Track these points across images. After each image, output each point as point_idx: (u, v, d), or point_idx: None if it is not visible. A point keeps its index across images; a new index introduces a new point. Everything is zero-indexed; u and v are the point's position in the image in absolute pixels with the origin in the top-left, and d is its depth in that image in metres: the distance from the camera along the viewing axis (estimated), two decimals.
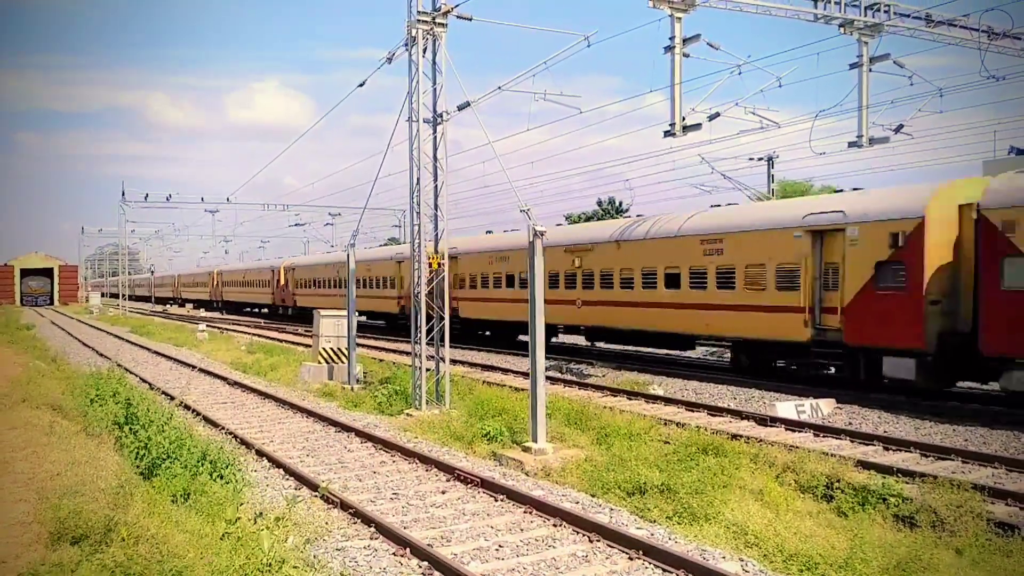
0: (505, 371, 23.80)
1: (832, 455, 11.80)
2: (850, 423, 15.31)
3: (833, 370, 17.80)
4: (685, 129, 18.62)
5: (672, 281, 21.63)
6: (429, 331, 17.17)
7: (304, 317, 46.95)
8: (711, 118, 19.55)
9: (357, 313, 21.74)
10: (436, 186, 17.33)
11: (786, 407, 16.07)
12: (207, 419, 16.11)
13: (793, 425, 14.93)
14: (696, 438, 12.59)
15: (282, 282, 55.65)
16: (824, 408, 16.31)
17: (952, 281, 15.75)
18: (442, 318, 17.16)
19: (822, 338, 17.58)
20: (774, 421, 15.21)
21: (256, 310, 64.18)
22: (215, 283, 68.59)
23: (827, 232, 17.52)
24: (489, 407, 15.38)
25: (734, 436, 13.29)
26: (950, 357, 15.56)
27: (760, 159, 37.35)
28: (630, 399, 18.37)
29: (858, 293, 16.83)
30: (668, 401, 17.83)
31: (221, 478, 9.94)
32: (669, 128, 18.75)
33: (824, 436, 14.13)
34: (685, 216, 22.03)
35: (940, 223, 15.75)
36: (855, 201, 17.52)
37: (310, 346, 26.83)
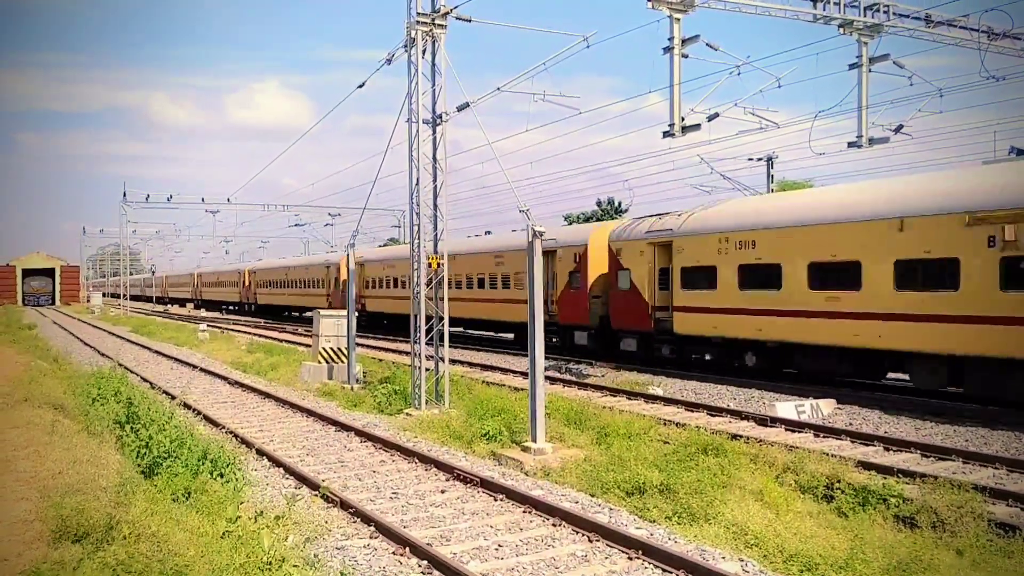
0: (504, 371, 23.81)
1: (832, 455, 11.79)
2: (850, 423, 15.30)
3: (555, 340, 26.97)
4: (684, 129, 18.60)
5: (502, 283, 30.61)
6: (428, 331, 17.16)
7: (305, 319, 51.41)
8: (710, 118, 19.52)
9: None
10: (435, 186, 17.33)
11: (786, 407, 16.06)
12: (208, 418, 16.12)
13: (793, 425, 14.92)
14: (696, 438, 12.58)
15: (247, 283, 64.79)
16: (824, 408, 16.31)
17: (604, 285, 25.39)
18: (441, 318, 17.16)
19: (551, 320, 26.84)
20: (774, 421, 15.20)
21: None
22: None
23: (549, 252, 26.43)
24: (488, 407, 15.38)
25: (734, 436, 13.29)
26: (605, 331, 25.25)
27: (759, 159, 37.33)
28: (630, 399, 18.37)
29: (563, 291, 26.99)
30: (668, 401, 17.84)
31: (222, 477, 9.95)
32: (668, 128, 18.72)
33: (824, 436, 14.13)
34: (488, 239, 34.20)
35: (597, 249, 25.41)
36: (564, 233, 28.46)
37: (310, 346, 26.85)
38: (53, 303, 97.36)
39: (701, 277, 20.82)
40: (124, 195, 59.16)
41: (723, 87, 19.46)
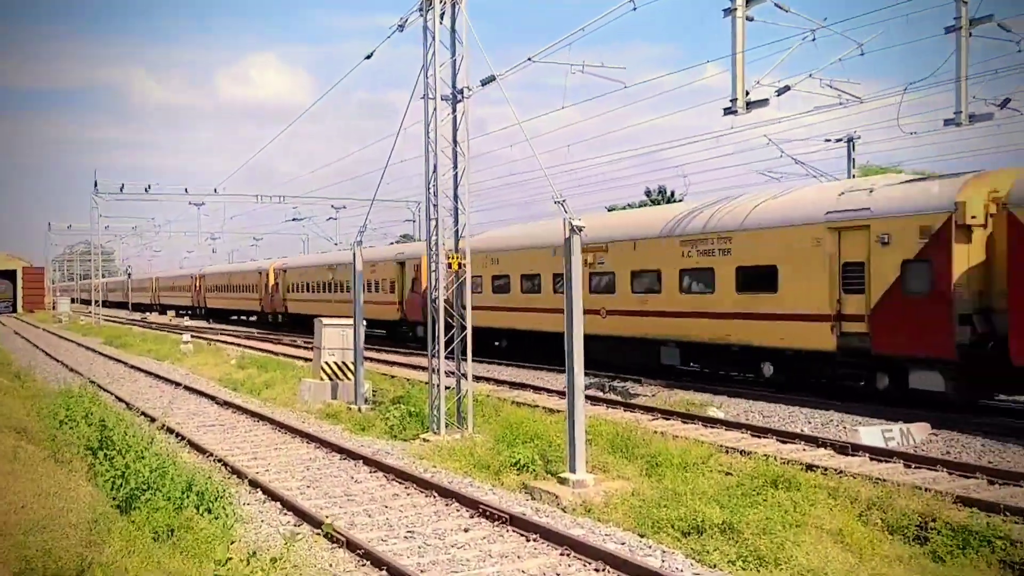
0: (538, 389, 23.81)
1: (926, 489, 11.66)
2: (947, 452, 15.12)
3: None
4: (749, 106, 18.53)
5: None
6: (448, 343, 17.22)
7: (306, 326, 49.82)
8: (780, 92, 19.42)
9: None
10: (456, 174, 17.39)
11: (871, 433, 15.92)
12: (193, 444, 16.31)
13: (880, 454, 14.79)
14: (764, 469, 12.50)
15: (272, 286, 61.09)
16: (916, 434, 16.13)
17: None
18: (463, 327, 17.21)
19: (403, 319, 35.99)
20: (856, 449, 15.08)
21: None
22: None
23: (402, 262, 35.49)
24: (519, 431, 15.38)
25: (809, 467, 13.19)
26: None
27: (838, 140, 36.99)
28: (685, 423, 18.30)
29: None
30: (730, 425, 17.75)
31: (209, 512, 10.05)
32: (730, 105, 18.66)
33: (917, 467, 13.98)
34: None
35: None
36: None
37: (310, 360, 27.05)
38: (14, 310, 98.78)
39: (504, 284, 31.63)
40: (96, 185, 59.82)
41: (795, 55, 19.35)
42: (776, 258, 20.85)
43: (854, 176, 36.74)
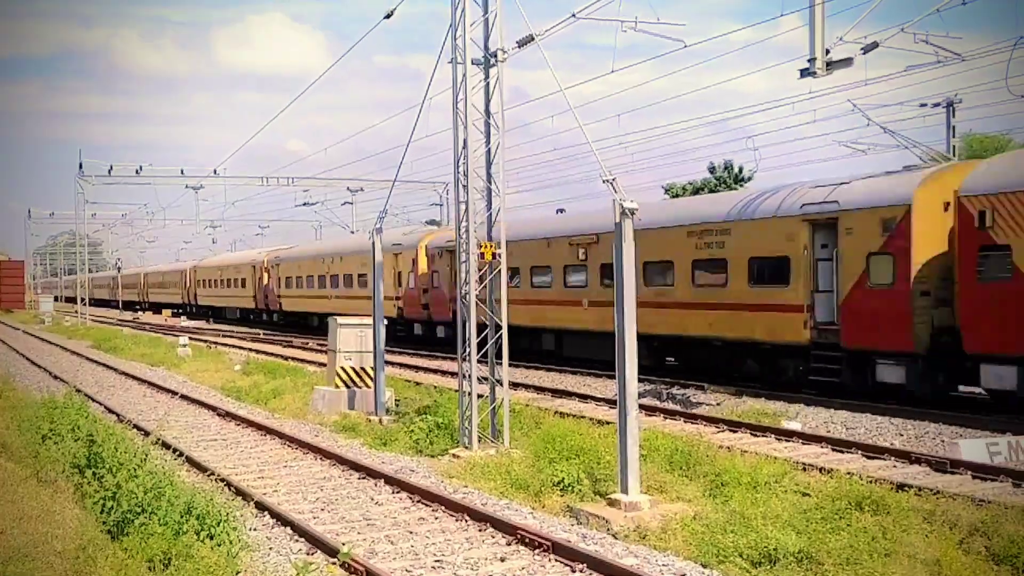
0: (584, 397, 23.83)
1: None
2: None
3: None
4: (830, 66, 18.36)
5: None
6: (481, 345, 17.29)
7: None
8: (866, 50, 19.21)
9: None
10: (489, 150, 17.42)
11: (974, 447, 15.75)
12: (192, 461, 16.51)
13: (984, 471, 14.64)
14: (847, 489, 12.42)
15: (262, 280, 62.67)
16: None
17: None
18: (498, 327, 17.26)
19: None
20: (956, 466, 14.93)
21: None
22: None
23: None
24: (563, 446, 15.40)
25: (900, 486, 13.08)
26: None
27: (935, 105, 36.45)
28: (755, 435, 18.23)
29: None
30: (807, 438, 17.65)
31: (211, 538, 10.18)
32: (808, 65, 18.50)
33: None
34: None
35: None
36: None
37: (324, 365, 27.28)
38: None
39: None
40: (80, 167, 60.63)
41: (884, 6, 19.10)
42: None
43: (954, 147, 36.23)
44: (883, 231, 20.24)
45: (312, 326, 52.69)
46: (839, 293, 21.32)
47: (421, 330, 41.57)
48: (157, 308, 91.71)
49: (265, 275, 61.13)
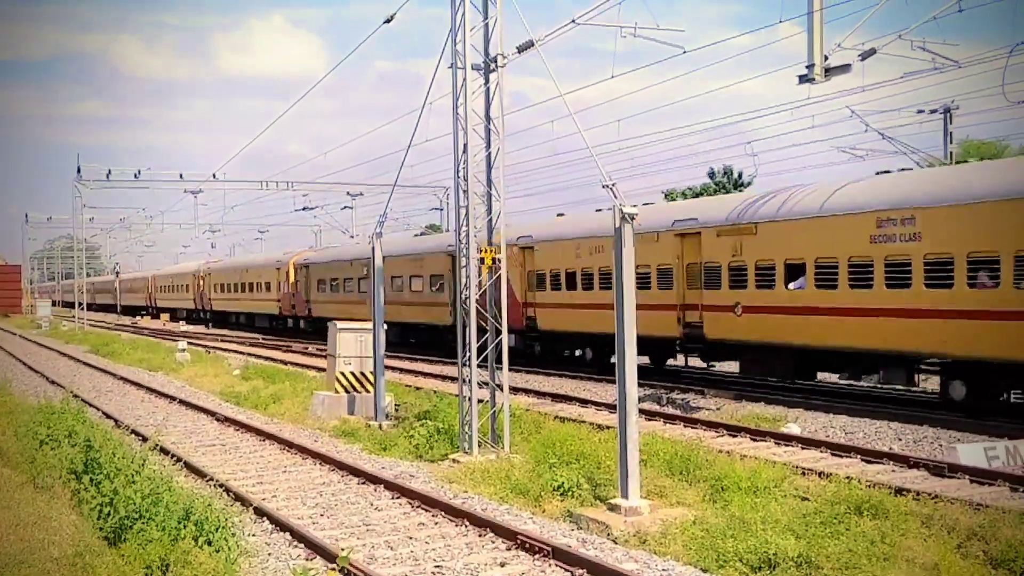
0: (584, 402, 23.83)
1: None
2: None
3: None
4: (828, 72, 18.37)
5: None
6: (481, 349, 17.28)
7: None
8: (864, 56, 19.25)
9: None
10: (489, 154, 17.43)
11: (971, 451, 15.76)
12: (191, 467, 16.49)
13: (982, 476, 14.65)
14: (846, 493, 12.44)
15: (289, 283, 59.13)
16: None
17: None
18: (498, 331, 17.26)
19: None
20: (955, 470, 14.95)
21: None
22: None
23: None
24: (563, 451, 15.40)
25: (899, 491, 13.10)
26: None
27: (933, 111, 36.53)
28: (755, 440, 18.23)
29: None
30: (806, 443, 17.66)
31: (210, 544, 10.17)
32: (806, 71, 18.51)
33: None
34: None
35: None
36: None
37: (323, 370, 27.26)
38: None
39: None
40: (79, 171, 60.38)
41: (881, 13, 19.13)
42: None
43: (951, 153, 36.30)
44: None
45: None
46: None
47: (292, 323, 59.15)
48: (161, 313, 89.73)
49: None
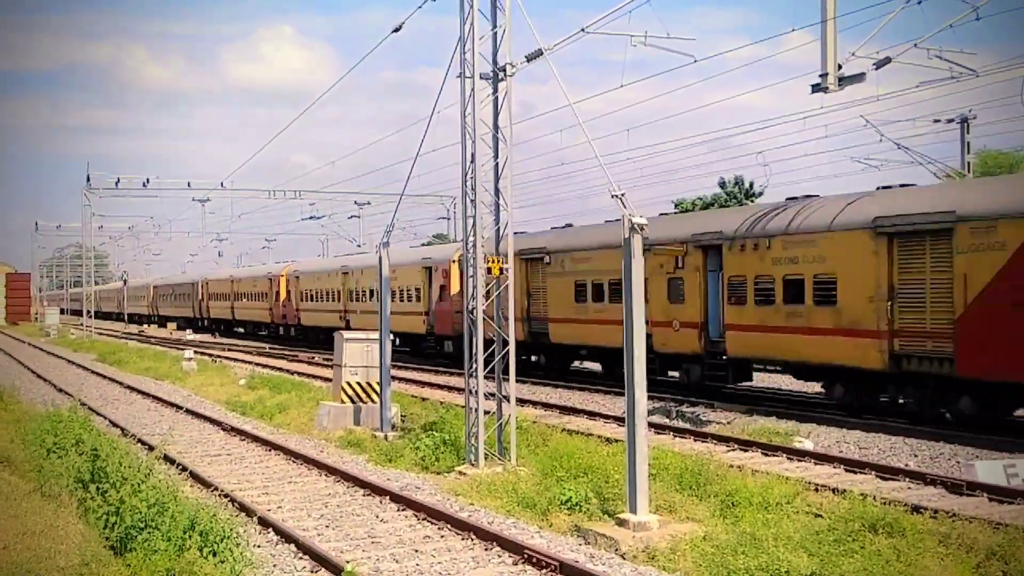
0: (592, 415, 23.77)
1: None
2: None
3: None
4: (842, 81, 18.36)
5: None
6: (488, 360, 17.27)
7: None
8: (879, 65, 19.22)
9: None
10: (497, 164, 17.45)
11: (990, 469, 15.65)
12: (196, 477, 16.51)
13: (1001, 494, 14.54)
14: (860, 510, 12.36)
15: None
16: None
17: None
18: (505, 342, 17.25)
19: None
20: (973, 488, 14.84)
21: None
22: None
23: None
24: (570, 464, 15.37)
25: (915, 508, 12.99)
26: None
27: (949, 121, 36.49)
28: (766, 455, 18.14)
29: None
30: (820, 458, 17.56)
31: (215, 555, 10.18)
32: (819, 80, 18.51)
33: None
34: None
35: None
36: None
37: (329, 380, 27.28)
38: None
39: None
40: (88, 179, 61.00)
41: (897, 21, 19.12)
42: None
43: (969, 164, 36.23)
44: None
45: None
46: None
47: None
48: (166, 322, 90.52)
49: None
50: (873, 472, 16.35)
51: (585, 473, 14.91)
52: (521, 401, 21.85)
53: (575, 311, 30.54)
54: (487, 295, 17.42)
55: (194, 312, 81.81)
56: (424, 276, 41.79)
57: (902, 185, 22.44)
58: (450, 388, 29.95)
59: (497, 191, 17.49)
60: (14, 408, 22.66)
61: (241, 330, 72.85)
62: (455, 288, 37.69)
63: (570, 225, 35.83)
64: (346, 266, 51.50)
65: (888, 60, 19.42)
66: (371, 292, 45.59)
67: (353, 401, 22.95)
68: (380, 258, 21.67)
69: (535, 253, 32.44)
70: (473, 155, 17.12)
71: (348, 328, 41.60)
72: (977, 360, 18.39)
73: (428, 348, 42.65)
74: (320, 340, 52.11)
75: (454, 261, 37.87)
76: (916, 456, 17.84)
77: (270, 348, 53.55)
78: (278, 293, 61.28)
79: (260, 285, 64.99)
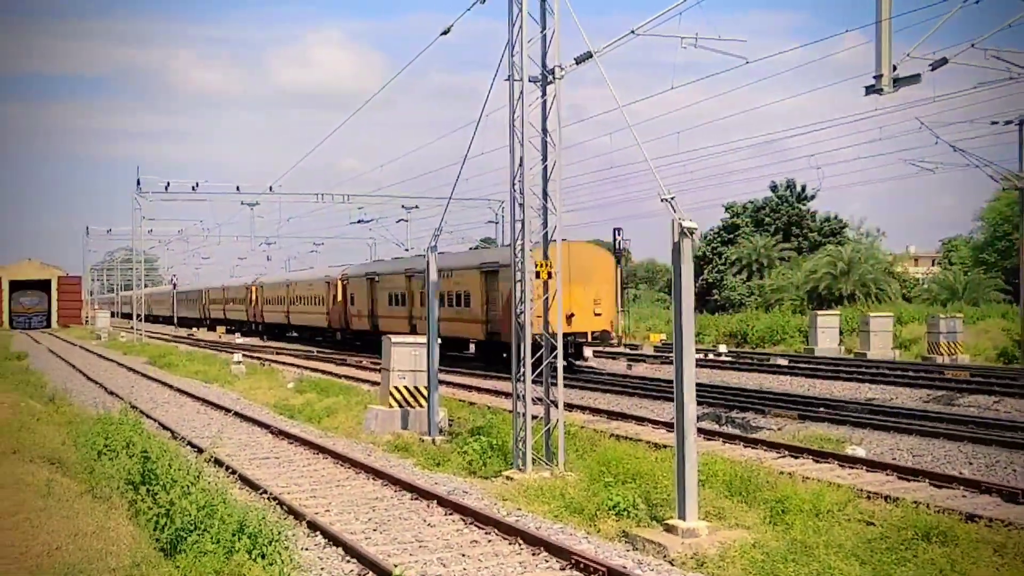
0: (640, 420, 23.72)
1: None
2: None
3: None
4: (897, 83, 18.19)
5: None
6: (536, 364, 17.30)
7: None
8: (935, 66, 19.04)
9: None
10: (546, 167, 17.47)
11: None
12: (245, 479, 16.71)
13: None
14: (914, 518, 12.25)
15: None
16: None
17: None
18: (553, 347, 17.27)
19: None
20: None
21: None
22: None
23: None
24: (619, 469, 15.35)
25: (970, 516, 12.87)
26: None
27: (1007, 123, 35.95)
28: (817, 461, 18.01)
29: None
30: (872, 465, 17.41)
31: (263, 557, 10.30)
32: (873, 82, 18.35)
33: None
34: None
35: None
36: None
37: (378, 384, 27.46)
38: (48, 325, 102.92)
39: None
40: (138, 183, 61.80)
41: (953, 22, 18.90)
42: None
43: None
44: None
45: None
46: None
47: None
48: (217, 326, 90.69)
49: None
50: (927, 480, 16.19)
51: (633, 479, 14.90)
52: (569, 406, 21.85)
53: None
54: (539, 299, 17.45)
55: (248, 315, 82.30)
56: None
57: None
58: (497, 392, 30.03)
59: (545, 194, 17.51)
60: (66, 410, 23.02)
61: (295, 334, 72.60)
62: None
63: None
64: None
65: (944, 61, 19.23)
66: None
67: (401, 405, 23.07)
68: (428, 262, 21.79)
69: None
70: (521, 159, 17.16)
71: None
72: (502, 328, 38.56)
73: (486, 353, 40.67)
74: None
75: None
76: (971, 464, 17.63)
77: (318, 352, 53.97)
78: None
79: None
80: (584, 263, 35.50)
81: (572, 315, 34.15)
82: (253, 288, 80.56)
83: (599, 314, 36.64)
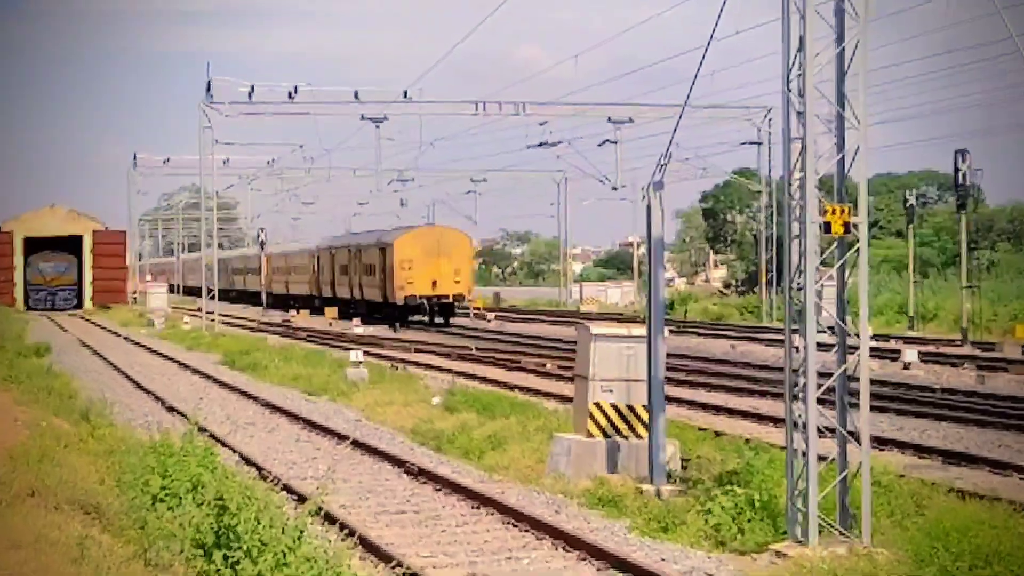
0: (997, 465, 22.99)
1: None
2: None
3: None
4: None
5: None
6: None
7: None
8: None
9: None
10: (842, 51, 17.02)
11: None
12: (369, 545, 16.93)
13: None
14: None
15: None
16: None
17: None
18: (853, 345, 16.87)
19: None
20: None
21: None
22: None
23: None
24: (965, 547, 14.86)
25: None
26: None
27: None
28: None
29: None
30: None
31: None
32: None
33: None
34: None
35: None
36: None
37: (569, 399, 27.41)
38: (79, 305, 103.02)
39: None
40: (208, 89, 62.00)
41: None
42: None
43: None
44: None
45: None
46: None
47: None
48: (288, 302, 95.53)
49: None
50: None
51: (988, 562, 14.42)
52: (879, 440, 21.29)
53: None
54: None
55: (310, 288, 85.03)
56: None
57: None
58: (758, 416, 29.72)
59: (841, 96, 17.08)
60: (106, 433, 23.46)
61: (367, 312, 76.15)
62: None
63: None
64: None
65: None
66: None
67: (606, 434, 22.91)
68: (649, 206, 21.48)
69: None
70: (801, 38, 16.80)
71: None
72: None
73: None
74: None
75: None
76: None
77: (476, 349, 54.39)
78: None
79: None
80: (448, 242, 72.01)
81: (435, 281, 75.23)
82: (318, 255, 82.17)
83: (458, 281, 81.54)
